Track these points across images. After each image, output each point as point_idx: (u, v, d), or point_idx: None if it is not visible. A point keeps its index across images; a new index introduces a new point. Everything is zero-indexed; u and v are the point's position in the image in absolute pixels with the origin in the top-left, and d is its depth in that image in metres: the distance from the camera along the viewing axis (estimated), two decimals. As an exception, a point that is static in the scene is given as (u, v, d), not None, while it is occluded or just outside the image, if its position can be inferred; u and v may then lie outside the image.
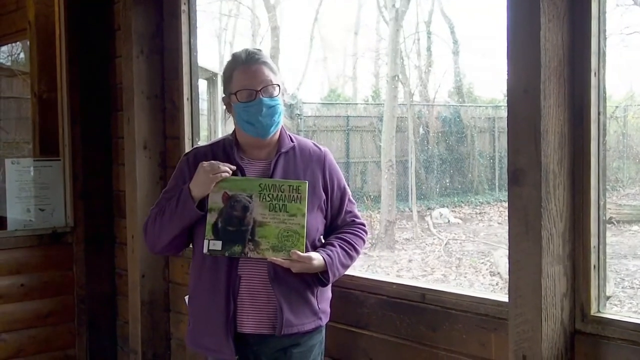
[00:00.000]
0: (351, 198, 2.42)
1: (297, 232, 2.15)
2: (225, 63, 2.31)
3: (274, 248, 2.14)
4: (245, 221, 2.15)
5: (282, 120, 2.28)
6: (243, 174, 2.24)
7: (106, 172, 3.98)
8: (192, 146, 3.51)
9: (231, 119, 2.31)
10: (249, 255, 2.15)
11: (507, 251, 2.00)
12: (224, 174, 2.16)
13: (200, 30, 3.64)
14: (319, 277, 2.24)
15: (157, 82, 3.63)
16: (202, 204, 2.19)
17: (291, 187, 2.17)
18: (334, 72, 21.40)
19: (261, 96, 2.18)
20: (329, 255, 2.22)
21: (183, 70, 3.53)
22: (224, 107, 2.32)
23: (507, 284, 2.03)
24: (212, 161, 2.19)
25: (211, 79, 7.03)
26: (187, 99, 3.55)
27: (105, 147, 3.97)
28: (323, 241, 2.34)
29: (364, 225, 2.42)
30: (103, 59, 3.93)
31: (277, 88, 2.22)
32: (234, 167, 2.20)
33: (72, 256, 3.97)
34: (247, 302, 2.19)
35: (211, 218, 2.16)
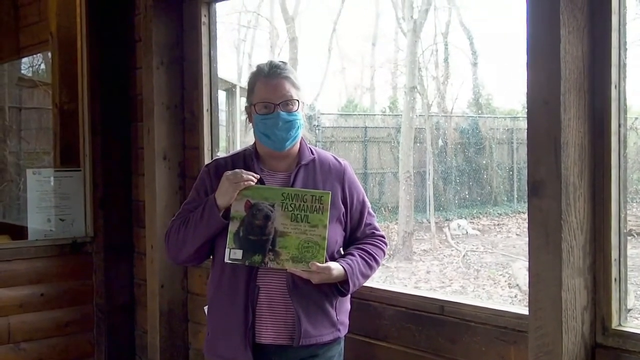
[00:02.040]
0: (371, 211, 2.42)
1: (318, 243, 2.15)
2: (246, 73, 2.34)
3: (293, 259, 2.15)
4: (267, 230, 2.16)
5: (302, 134, 2.30)
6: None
7: (126, 182, 4.01)
8: (212, 157, 3.53)
9: (251, 129, 2.33)
10: (268, 266, 2.16)
11: (525, 263, 2.00)
12: (247, 182, 2.18)
13: (219, 42, 3.67)
14: (338, 288, 2.25)
15: (177, 93, 3.66)
16: (227, 213, 2.20)
17: (314, 197, 2.17)
18: (352, 83, 21.43)
19: (279, 110, 2.20)
20: (349, 264, 2.23)
21: (203, 81, 3.56)
22: (246, 116, 2.34)
23: (526, 296, 2.03)
24: (237, 170, 2.21)
25: (230, 90, 7.08)
26: (207, 109, 3.58)
27: (125, 158, 4.00)
28: (342, 253, 2.34)
29: (383, 237, 2.42)
30: (123, 70, 3.97)
31: (296, 103, 2.23)
32: (258, 176, 2.22)
33: (91, 266, 4.00)
34: (265, 312, 2.20)
35: (233, 226, 2.18)
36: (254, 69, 2.31)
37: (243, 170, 2.20)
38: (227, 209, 2.20)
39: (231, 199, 2.18)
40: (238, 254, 2.16)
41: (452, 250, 10.39)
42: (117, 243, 4.00)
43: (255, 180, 2.19)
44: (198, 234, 2.23)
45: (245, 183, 2.17)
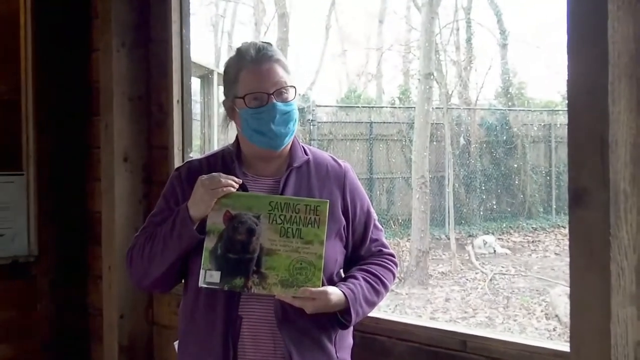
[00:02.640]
0: (377, 224, 2.43)
1: (313, 263, 2.15)
2: (225, 56, 2.34)
3: (283, 283, 2.14)
4: (250, 248, 2.16)
5: (296, 129, 2.31)
6: (246, 193, 2.25)
7: (79, 189, 4.01)
8: (183, 158, 3.54)
9: (232, 126, 2.33)
10: (252, 291, 2.15)
11: (566, 288, 1.99)
12: (227, 189, 2.18)
13: (193, 18, 3.68)
14: (338, 319, 2.25)
15: (142, 80, 3.66)
16: (203, 227, 2.20)
17: (308, 207, 2.17)
18: (354, 69, 21.50)
19: (274, 100, 2.21)
20: (350, 290, 2.22)
21: (172, 66, 3.56)
22: (225, 112, 2.35)
23: (566, 329, 2.02)
24: (214, 173, 2.21)
25: (206, 76, 7.09)
26: (177, 101, 3.59)
27: (78, 160, 4.00)
28: (343, 275, 2.35)
29: (393, 256, 2.43)
30: (77, 53, 3.97)
31: (292, 91, 2.25)
32: (239, 180, 2.22)
33: (36, 292, 3.99)
34: (249, 348, 2.20)
35: (209, 243, 2.17)
36: (234, 54, 2.31)
37: (222, 174, 2.20)
38: (203, 221, 2.20)
39: (207, 208, 2.18)
40: (215, 276, 2.16)
41: (476, 273, 10.41)
42: (68, 264, 4.00)
43: (237, 186, 2.19)
44: (167, 252, 2.23)
45: (225, 189, 2.17)
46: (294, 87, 2.26)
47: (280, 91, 2.22)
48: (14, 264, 3.96)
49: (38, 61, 3.94)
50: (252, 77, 2.23)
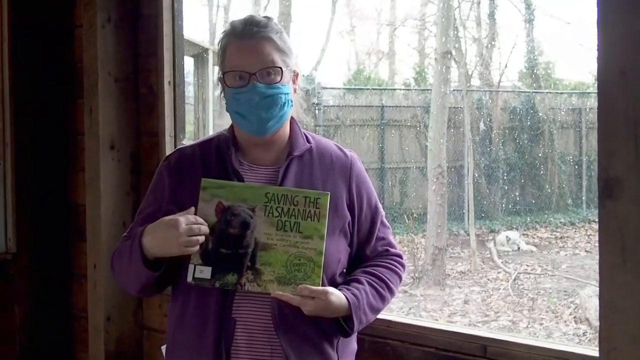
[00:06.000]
0: (384, 220, 2.43)
1: (312, 259, 2.17)
2: (220, 33, 2.33)
3: (280, 280, 2.16)
4: (245, 242, 2.17)
5: (291, 113, 2.30)
6: (241, 184, 2.25)
7: (61, 180, 4.01)
8: (175, 145, 3.54)
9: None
10: (246, 288, 2.16)
11: (597, 289, 1.99)
12: (195, 248, 2.13)
13: (186, -9, 3.68)
14: (339, 324, 2.25)
15: (129, 60, 3.66)
16: (160, 263, 2.18)
17: (307, 199, 2.18)
18: (364, 47, 21.45)
19: (256, 82, 2.20)
20: (354, 294, 2.23)
21: (164, 44, 3.56)
22: (221, 90, 2.34)
23: (597, 333, 2.02)
24: (192, 217, 2.14)
25: (200, 55, 7.05)
26: (169, 82, 3.59)
27: (60, 148, 4.00)
28: (346, 277, 2.34)
29: (401, 256, 2.43)
30: (58, 29, 3.96)
31: (279, 72, 2.22)
32: (206, 230, 2.15)
33: (13, 293, 3.99)
34: (243, 353, 2.20)
35: None
36: (227, 27, 2.31)
37: (201, 223, 2.14)
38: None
39: (168, 252, 2.15)
40: (205, 272, 2.17)
41: (498, 273, 10.40)
42: (49, 262, 4.00)
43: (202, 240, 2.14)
44: (131, 275, 2.25)
45: (195, 248, 2.13)
46: (282, 68, 2.22)
47: (266, 71, 2.21)
48: (-11, 262, 3.97)
49: (15, 39, 3.93)
50: (235, 54, 2.23)
